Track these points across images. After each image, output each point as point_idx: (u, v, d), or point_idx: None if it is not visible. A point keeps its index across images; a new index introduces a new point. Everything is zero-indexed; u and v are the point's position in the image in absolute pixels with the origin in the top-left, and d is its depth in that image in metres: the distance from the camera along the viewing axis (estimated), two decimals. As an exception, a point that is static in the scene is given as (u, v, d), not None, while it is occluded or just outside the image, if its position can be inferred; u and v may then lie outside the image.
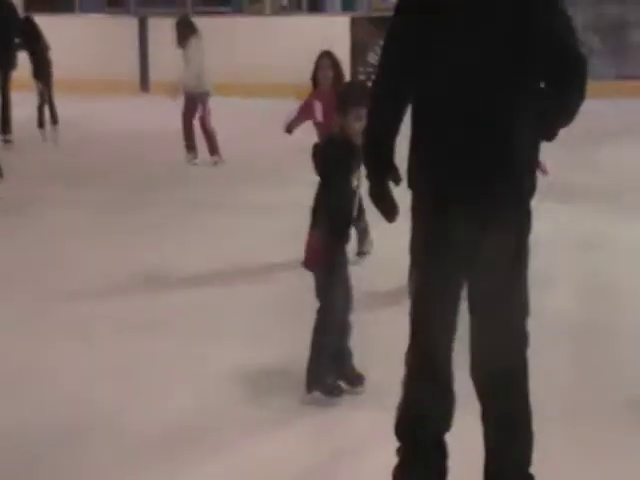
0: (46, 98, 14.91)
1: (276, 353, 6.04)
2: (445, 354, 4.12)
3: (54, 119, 14.97)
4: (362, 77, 18.73)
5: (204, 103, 12.67)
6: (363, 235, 7.99)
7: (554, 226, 8.27)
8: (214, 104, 12.81)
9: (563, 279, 7.34)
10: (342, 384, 5.40)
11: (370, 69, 19.99)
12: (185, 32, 12.89)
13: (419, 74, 4.00)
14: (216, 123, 12.64)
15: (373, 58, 20.05)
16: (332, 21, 20.50)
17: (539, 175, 4.16)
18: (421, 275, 4.15)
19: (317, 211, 5.34)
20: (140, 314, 6.84)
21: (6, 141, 14.27)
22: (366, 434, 4.93)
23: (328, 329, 5.33)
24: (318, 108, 8.06)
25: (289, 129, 8.38)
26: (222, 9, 20.66)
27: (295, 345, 5.58)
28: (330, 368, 5.39)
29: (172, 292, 7.40)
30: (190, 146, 12.79)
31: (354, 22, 20.41)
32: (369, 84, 5.05)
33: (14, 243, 8.96)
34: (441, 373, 4.14)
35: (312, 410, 5.27)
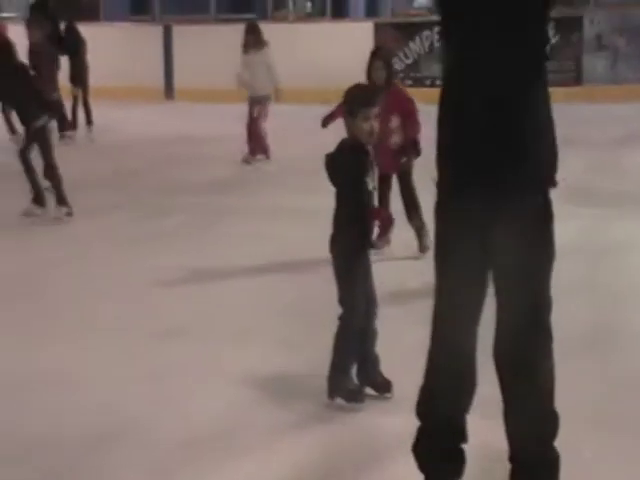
0: (80, 101, 15.09)
1: (300, 358, 5.99)
2: (468, 342, 4.13)
3: (89, 120, 15.16)
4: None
5: (265, 105, 12.85)
6: (420, 232, 8.11)
7: (579, 230, 8.21)
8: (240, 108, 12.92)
9: (587, 284, 7.27)
10: (368, 390, 5.36)
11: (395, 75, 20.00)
12: (255, 38, 13.02)
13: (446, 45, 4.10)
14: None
15: (397, 64, 20.04)
16: (356, 27, 20.56)
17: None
18: (442, 263, 4.14)
19: (338, 219, 5.32)
20: (163, 320, 6.83)
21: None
22: (390, 442, 4.84)
23: (350, 335, 5.31)
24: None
25: (324, 123, 8.40)
26: (247, 16, 20.72)
27: (319, 350, 5.50)
28: (352, 374, 5.37)
29: (195, 297, 7.36)
30: (255, 149, 13.03)
31: (378, 28, 20.42)
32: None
33: (48, 247, 9.05)
34: (462, 360, 4.13)
35: (335, 416, 5.24)
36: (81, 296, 7.48)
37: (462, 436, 4.22)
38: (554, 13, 4.17)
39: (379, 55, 8.32)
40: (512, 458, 4.11)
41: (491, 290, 4.01)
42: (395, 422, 4.96)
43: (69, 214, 9.95)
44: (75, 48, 15.68)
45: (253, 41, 12.97)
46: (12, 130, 10.02)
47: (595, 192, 10.01)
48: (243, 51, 13.01)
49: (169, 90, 21.06)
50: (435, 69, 19.41)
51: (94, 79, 16.24)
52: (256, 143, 13.02)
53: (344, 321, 5.31)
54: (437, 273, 4.15)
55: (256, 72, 12.82)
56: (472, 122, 3.96)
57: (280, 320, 6.75)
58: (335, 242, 5.34)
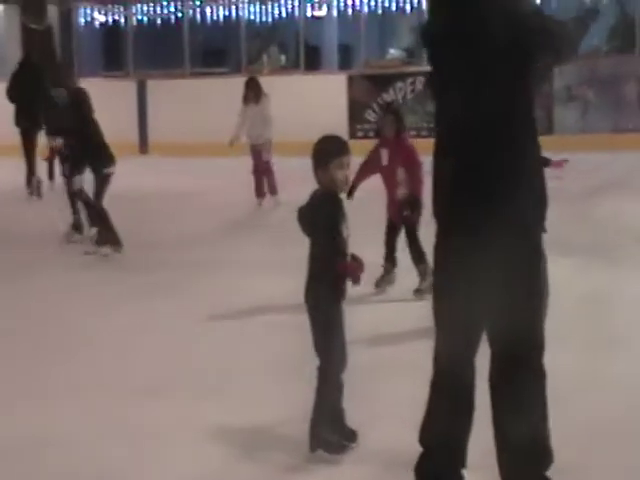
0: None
1: (277, 412, 5.92)
2: (466, 373, 4.39)
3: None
4: (360, 135, 18.76)
5: (268, 150, 14.03)
6: (423, 277, 8.46)
7: (554, 281, 8.22)
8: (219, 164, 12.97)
9: (565, 334, 7.30)
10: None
11: (368, 127, 20.07)
12: (254, 92, 14.14)
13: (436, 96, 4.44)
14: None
15: (371, 115, 20.15)
16: (329, 79, 20.70)
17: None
18: (437, 299, 4.42)
19: (313, 268, 5.31)
20: (140, 377, 6.78)
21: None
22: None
23: (330, 385, 5.27)
24: (384, 154, 8.77)
25: (354, 187, 8.52)
26: (220, 70, 20.84)
27: (296, 403, 5.53)
28: (331, 426, 5.34)
29: (171, 354, 7.33)
30: (260, 193, 14.01)
31: (351, 80, 20.57)
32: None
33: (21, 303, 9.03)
34: (462, 391, 4.40)
35: (317, 468, 5.21)
36: (58, 350, 7.43)
37: (461, 461, 4.46)
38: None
39: (390, 109, 9.06)
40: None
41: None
42: (371, 469, 5.08)
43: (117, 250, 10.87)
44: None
45: (253, 95, 14.05)
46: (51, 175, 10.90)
47: (569, 242, 10.04)
48: (243, 103, 14.09)
49: (143, 144, 21.12)
50: (410, 119, 19.47)
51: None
52: (268, 183, 14.04)
53: (323, 372, 5.27)
54: (435, 317, 4.41)
55: (255, 122, 13.94)
56: (458, 178, 4.22)
57: (256, 374, 6.70)
58: (310, 292, 5.32)
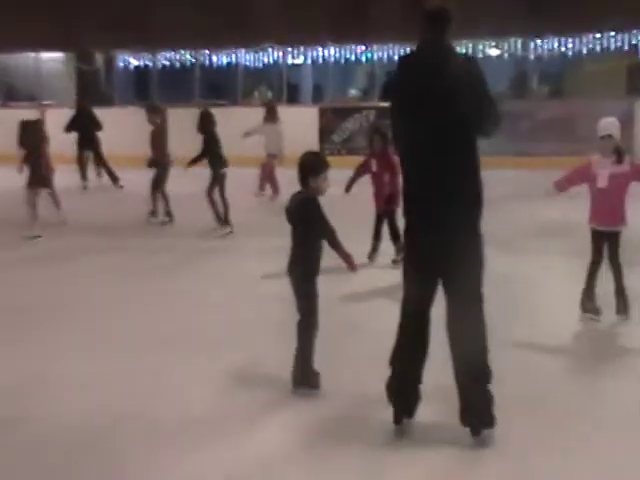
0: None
1: (266, 358, 5.94)
2: (423, 318, 4.55)
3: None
4: (327, 152, 18.79)
5: (276, 158, 14.40)
6: (398, 252, 8.86)
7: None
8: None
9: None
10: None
11: (334, 146, 20.18)
12: (272, 114, 14.55)
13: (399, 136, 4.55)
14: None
15: (336, 138, 20.24)
16: (305, 110, 20.66)
17: None
18: (407, 271, 4.59)
19: (301, 250, 5.25)
20: (159, 332, 6.74)
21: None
22: (333, 419, 4.94)
23: (310, 335, 5.24)
24: (374, 163, 9.14)
25: (351, 185, 9.26)
26: (221, 102, 20.82)
27: (282, 351, 5.50)
28: (309, 367, 5.30)
29: (180, 315, 7.29)
30: (262, 188, 14.79)
31: (321, 111, 20.58)
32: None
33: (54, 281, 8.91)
34: (419, 331, 4.56)
35: (299, 400, 5.21)
36: (94, 315, 7.37)
37: (418, 379, 4.61)
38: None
39: (378, 130, 9.20)
40: (461, 399, 4.50)
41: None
42: (343, 402, 5.12)
43: (231, 232, 11.19)
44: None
45: (270, 116, 14.40)
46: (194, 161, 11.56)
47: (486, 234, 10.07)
48: (263, 121, 14.45)
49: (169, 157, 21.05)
50: (363, 142, 19.55)
51: (110, 148, 16.46)
52: (271, 183, 14.35)
53: (305, 325, 5.23)
54: (404, 277, 4.59)
55: (271, 137, 14.28)
56: (416, 186, 4.43)
57: (247, 334, 6.68)
58: (295, 269, 5.26)
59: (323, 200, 5.26)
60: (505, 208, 12.15)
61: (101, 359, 6.09)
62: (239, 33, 20.35)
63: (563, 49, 19.12)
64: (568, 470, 4.25)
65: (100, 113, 17.52)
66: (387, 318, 5.05)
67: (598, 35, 18.61)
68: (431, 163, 4.31)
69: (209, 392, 5.43)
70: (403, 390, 4.61)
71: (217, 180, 11.47)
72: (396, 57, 20.52)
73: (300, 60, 21.88)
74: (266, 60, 21.78)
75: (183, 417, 4.97)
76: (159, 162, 12.44)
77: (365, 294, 7.85)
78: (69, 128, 16.80)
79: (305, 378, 5.28)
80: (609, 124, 6.59)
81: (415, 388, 4.62)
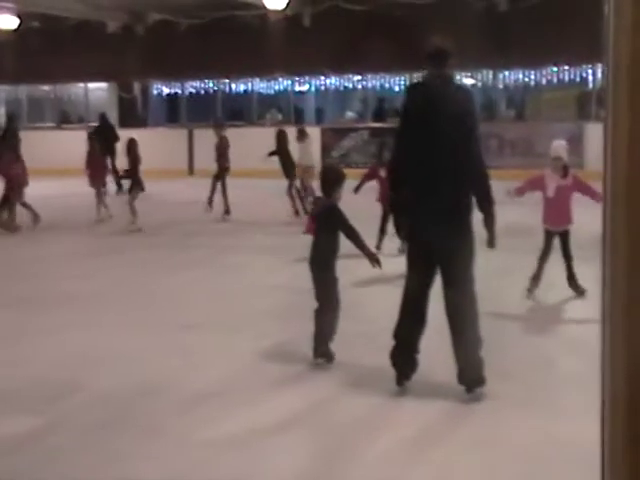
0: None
1: (289, 336, 5.89)
2: (423, 297, 4.65)
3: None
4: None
5: (309, 172, 13.27)
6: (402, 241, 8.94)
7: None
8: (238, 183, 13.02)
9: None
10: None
11: (333, 161, 20.16)
12: (302, 135, 14.18)
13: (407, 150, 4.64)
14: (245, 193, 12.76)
15: (335, 154, 20.27)
16: (309, 130, 20.54)
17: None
18: (409, 258, 4.73)
19: (323, 246, 5.20)
20: (186, 316, 6.70)
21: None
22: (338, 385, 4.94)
23: (328, 319, 5.18)
24: (382, 171, 9.04)
25: (360, 186, 9.44)
26: (239, 122, 20.91)
27: (297, 331, 5.53)
28: (326, 343, 5.24)
29: (207, 302, 7.29)
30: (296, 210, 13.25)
31: (323, 131, 20.61)
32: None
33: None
34: (418, 310, 4.66)
35: (317, 372, 5.19)
36: (137, 300, 7.39)
37: (415, 349, 4.72)
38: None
39: (385, 144, 9.38)
40: (458, 363, 4.59)
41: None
42: (360, 371, 5.13)
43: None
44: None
45: (301, 136, 14.15)
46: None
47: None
48: (297, 140, 14.01)
49: (190, 169, 21.15)
50: (358, 157, 19.64)
51: (144, 163, 16.46)
52: (306, 189, 13.47)
53: (321, 312, 5.16)
54: (408, 264, 4.71)
55: (303, 153, 13.95)
56: (420, 190, 4.55)
57: (265, 315, 6.65)
58: (321, 261, 5.20)
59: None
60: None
61: (137, 338, 6.08)
62: (254, 65, 20.44)
63: (526, 80, 19.21)
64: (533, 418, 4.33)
65: (137, 133, 17.55)
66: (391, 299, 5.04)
67: (555, 68, 18.68)
68: (434, 171, 4.48)
69: (229, 364, 5.42)
70: (404, 358, 4.71)
71: (292, 182, 12.60)
72: (387, 85, 20.60)
73: (305, 88, 21.96)
74: (276, 88, 21.85)
75: (206, 388, 4.94)
76: (223, 169, 12.97)
77: (371, 279, 7.71)
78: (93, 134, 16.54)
79: (322, 353, 5.23)
80: (559, 147, 7.00)
81: (413, 357, 4.72)
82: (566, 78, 18.83)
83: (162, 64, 21.14)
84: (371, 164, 9.91)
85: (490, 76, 19.67)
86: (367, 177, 9.65)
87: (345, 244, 5.36)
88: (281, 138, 12.86)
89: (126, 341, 6.01)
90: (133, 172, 11.99)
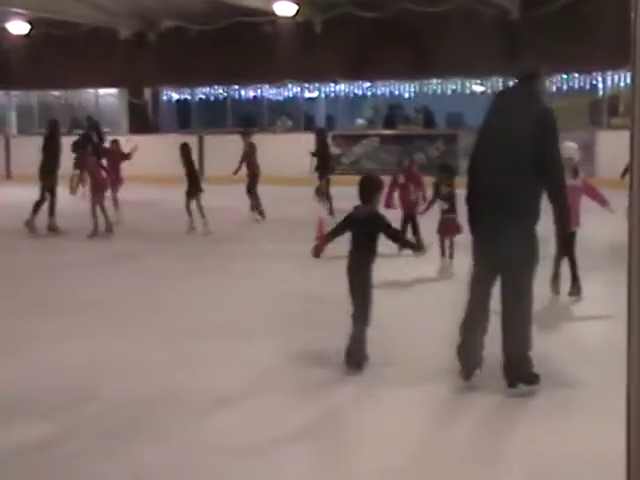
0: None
1: (297, 344, 5.80)
2: (485, 302, 4.86)
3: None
4: (339, 172, 18.83)
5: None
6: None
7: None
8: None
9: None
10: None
11: (344, 167, 20.13)
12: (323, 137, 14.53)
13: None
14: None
15: (345, 160, 20.23)
16: (319, 137, 20.71)
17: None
18: (472, 270, 4.90)
19: (363, 253, 5.33)
20: (199, 323, 6.68)
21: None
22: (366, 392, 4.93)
23: (364, 324, 5.24)
24: (401, 178, 9.80)
25: (387, 205, 9.46)
26: (250, 129, 20.90)
27: (310, 339, 5.51)
28: (362, 350, 5.30)
29: (220, 310, 7.23)
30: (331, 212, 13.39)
31: (333, 137, 20.55)
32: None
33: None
34: (481, 317, 4.86)
35: (350, 378, 5.19)
36: (146, 308, 7.34)
37: (481, 345, 4.90)
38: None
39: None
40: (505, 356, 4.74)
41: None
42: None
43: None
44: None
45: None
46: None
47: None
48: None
49: (201, 174, 21.08)
50: (369, 164, 19.66)
51: (155, 169, 16.43)
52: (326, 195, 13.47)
53: (358, 315, 5.23)
54: (472, 268, 4.89)
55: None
56: (481, 197, 4.75)
57: (283, 322, 6.57)
58: (360, 266, 5.30)
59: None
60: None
61: (151, 345, 6.09)
62: (264, 71, 20.47)
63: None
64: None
65: (148, 139, 17.61)
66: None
67: (565, 76, 18.65)
68: (507, 181, 4.63)
69: (249, 369, 5.39)
70: (469, 354, 4.87)
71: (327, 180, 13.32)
72: (396, 92, 20.59)
73: (315, 94, 21.98)
74: (286, 94, 21.88)
75: (220, 397, 4.91)
76: (252, 174, 13.38)
77: (396, 280, 7.87)
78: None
79: (356, 360, 5.26)
80: (570, 149, 7.00)
81: (477, 353, 4.89)
82: (576, 86, 18.80)
83: (173, 70, 21.20)
84: (393, 172, 10.24)
85: (500, 84, 19.63)
86: (392, 188, 9.66)
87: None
88: (321, 139, 13.74)
89: (138, 349, 6.00)
90: (190, 175, 12.35)
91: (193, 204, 12.10)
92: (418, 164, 11.06)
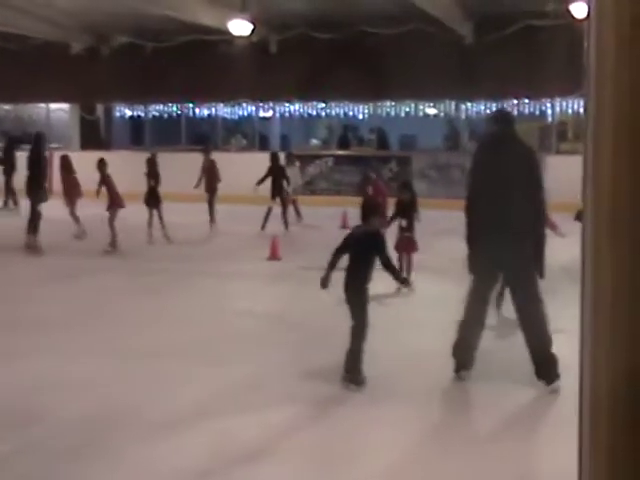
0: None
1: (252, 364, 5.78)
2: (483, 310, 5.40)
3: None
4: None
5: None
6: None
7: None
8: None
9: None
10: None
11: (298, 188, 20.20)
12: (291, 160, 15.90)
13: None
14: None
15: (302, 180, 20.26)
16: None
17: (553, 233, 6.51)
18: (473, 280, 5.37)
19: (360, 272, 5.43)
20: (153, 342, 6.60)
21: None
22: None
23: (361, 340, 5.36)
24: (370, 190, 10.46)
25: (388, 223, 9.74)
26: (203, 147, 20.87)
27: (265, 359, 5.47)
28: (358, 368, 5.38)
29: (173, 329, 7.16)
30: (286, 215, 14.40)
31: (288, 156, 20.62)
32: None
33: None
34: (479, 317, 5.37)
35: (350, 394, 5.26)
36: (101, 326, 7.22)
37: (475, 346, 5.37)
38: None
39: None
40: (533, 359, 5.21)
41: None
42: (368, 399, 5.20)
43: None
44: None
45: (290, 161, 15.73)
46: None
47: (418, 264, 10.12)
48: (286, 166, 15.27)
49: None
50: (323, 184, 19.77)
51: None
52: (295, 211, 14.90)
53: (358, 330, 5.34)
54: (471, 279, 5.37)
55: (292, 176, 15.25)
56: (485, 221, 5.28)
57: (235, 342, 6.55)
58: (359, 284, 5.42)
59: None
60: (441, 241, 12.29)
61: (104, 365, 6.02)
62: (219, 90, 20.49)
63: (488, 111, 19.54)
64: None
65: (99, 155, 17.35)
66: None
67: (515, 101, 19.08)
68: (497, 211, 5.13)
69: (199, 394, 5.36)
70: (463, 351, 5.36)
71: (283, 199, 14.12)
72: (350, 113, 20.80)
73: (269, 114, 22.06)
74: (241, 113, 21.92)
75: (173, 416, 4.91)
76: (212, 189, 14.23)
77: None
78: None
79: (355, 374, 5.35)
80: None
81: (471, 352, 5.33)
82: (526, 111, 19.25)
83: (126, 87, 21.07)
84: (361, 185, 10.86)
85: (453, 107, 19.99)
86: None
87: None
88: (275, 160, 14.56)
89: (89, 369, 5.94)
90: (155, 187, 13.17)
91: (154, 215, 12.50)
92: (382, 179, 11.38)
